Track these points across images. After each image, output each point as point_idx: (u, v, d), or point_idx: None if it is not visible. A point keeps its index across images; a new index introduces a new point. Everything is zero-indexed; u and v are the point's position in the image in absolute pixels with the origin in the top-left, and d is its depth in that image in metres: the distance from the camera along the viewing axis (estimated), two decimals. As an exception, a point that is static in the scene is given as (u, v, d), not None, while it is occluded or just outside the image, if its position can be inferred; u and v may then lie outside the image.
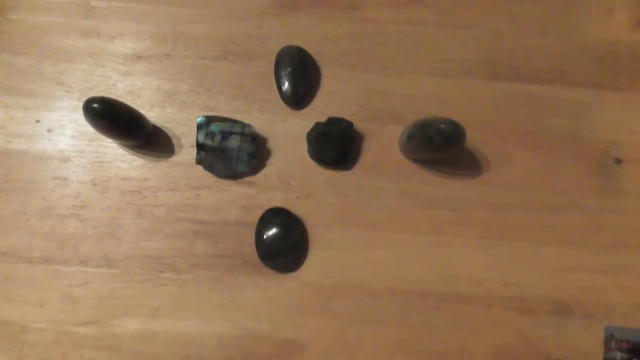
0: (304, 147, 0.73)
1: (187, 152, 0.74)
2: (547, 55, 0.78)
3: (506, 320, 0.68)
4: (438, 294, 0.69)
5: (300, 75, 0.75)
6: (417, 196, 0.72)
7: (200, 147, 0.72)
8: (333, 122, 0.73)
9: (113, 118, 0.67)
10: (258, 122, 0.75)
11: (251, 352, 0.67)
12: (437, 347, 0.67)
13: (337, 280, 0.69)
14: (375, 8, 0.80)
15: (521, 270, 0.70)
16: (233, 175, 0.72)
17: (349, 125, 0.73)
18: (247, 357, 0.66)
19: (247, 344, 0.67)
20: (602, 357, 0.67)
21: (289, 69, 0.75)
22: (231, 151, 0.72)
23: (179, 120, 0.75)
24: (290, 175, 0.73)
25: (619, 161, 0.74)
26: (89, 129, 0.73)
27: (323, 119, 0.74)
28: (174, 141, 0.74)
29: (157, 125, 0.75)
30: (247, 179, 0.73)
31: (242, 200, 0.72)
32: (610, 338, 0.67)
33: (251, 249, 0.70)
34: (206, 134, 0.72)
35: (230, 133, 0.72)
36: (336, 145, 0.72)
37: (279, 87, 0.76)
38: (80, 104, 0.72)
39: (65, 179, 0.72)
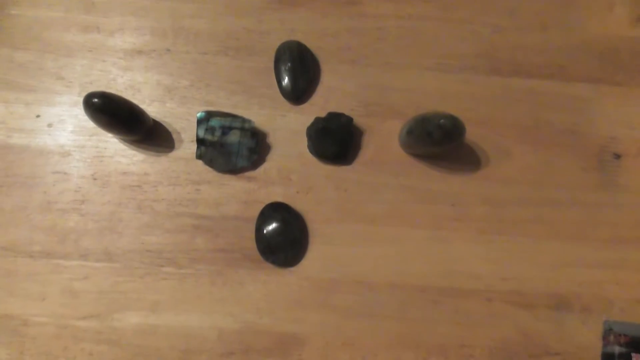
0: (303, 142, 0.73)
1: (187, 147, 0.73)
2: (547, 50, 0.77)
3: (505, 314, 0.68)
4: (437, 289, 0.68)
5: (300, 70, 0.75)
6: (416, 191, 0.72)
7: (200, 142, 0.71)
8: (333, 117, 0.72)
9: (113, 113, 0.66)
10: (258, 117, 0.74)
11: (251, 346, 0.66)
12: (436, 341, 0.67)
13: (337, 274, 0.69)
14: (375, 3, 0.79)
15: (520, 264, 0.69)
16: (233, 170, 0.72)
17: (349, 120, 0.73)
18: (247, 351, 0.66)
19: (247, 338, 0.67)
20: (601, 351, 0.67)
21: (289, 64, 0.74)
22: (231, 146, 0.72)
23: (179, 115, 0.75)
24: (290, 170, 0.72)
25: (617, 156, 0.73)
26: (89, 123, 0.73)
27: (323, 114, 0.73)
28: (174, 136, 0.74)
29: (157, 120, 0.74)
30: (247, 173, 0.72)
31: (242, 195, 0.71)
32: (608, 332, 0.67)
33: (251, 244, 0.69)
34: (206, 129, 0.71)
35: (230, 128, 0.72)
36: (336, 140, 0.71)
37: (279, 82, 0.75)
38: (81, 99, 0.72)
39: (65, 173, 0.72)
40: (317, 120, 0.72)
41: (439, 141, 0.65)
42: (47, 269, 0.69)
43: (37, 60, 0.76)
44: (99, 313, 0.67)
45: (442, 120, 0.64)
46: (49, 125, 0.74)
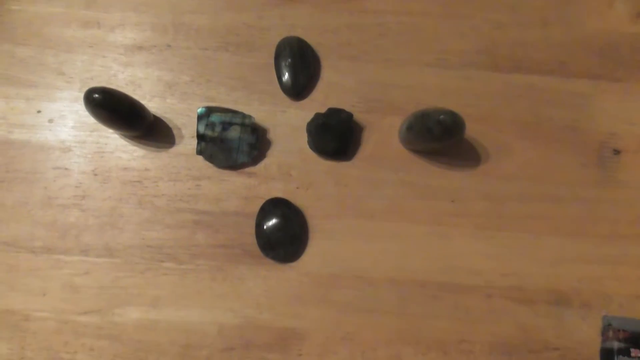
0: (304, 137, 0.73)
1: (187, 143, 0.73)
2: (547, 46, 0.77)
3: (505, 310, 0.67)
4: (437, 284, 0.68)
5: (300, 66, 0.74)
6: (416, 187, 0.71)
7: (200, 137, 0.71)
8: (333, 113, 0.72)
9: (114, 108, 0.66)
10: (258, 112, 0.74)
11: (251, 342, 0.66)
12: (436, 337, 0.66)
13: (337, 270, 0.68)
14: (376, -1, 0.79)
15: (520, 260, 0.69)
16: (233, 165, 0.71)
17: (349, 116, 0.72)
18: (247, 346, 0.66)
19: (248, 333, 0.66)
20: (600, 347, 0.66)
21: (289, 60, 0.74)
22: (231, 142, 0.71)
23: (179, 110, 0.74)
24: (290, 166, 0.72)
25: (617, 152, 0.73)
26: (90, 119, 0.72)
27: (323, 110, 0.73)
28: (175, 132, 0.73)
29: (158, 115, 0.74)
30: (247, 169, 0.72)
31: (242, 190, 0.71)
32: (607, 327, 0.66)
33: (251, 239, 0.69)
34: (207, 125, 0.71)
35: (231, 124, 0.71)
36: (336, 136, 0.71)
37: (279, 78, 0.75)
38: (81, 95, 0.71)
39: (66, 169, 0.72)
40: (317, 116, 0.72)
41: (439, 137, 0.65)
42: (48, 264, 0.68)
43: (38, 55, 0.76)
44: (99, 308, 0.67)
45: (442, 116, 0.63)
46: (50, 121, 0.73)
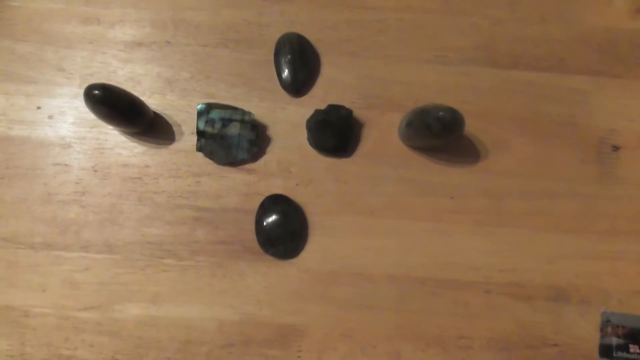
0: (303, 134, 0.72)
1: (187, 139, 0.72)
2: (546, 42, 0.76)
3: (503, 306, 0.67)
4: (436, 281, 0.67)
5: (300, 62, 0.73)
6: (416, 183, 0.70)
7: (200, 134, 0.70)
8: (333, 109, 0.71)
9: (114, 105, 0.65)
10: (258, 109, 0.73)
11: (251, 338, 0.65)
12: (435, 333, 0.66)
13: (337, 266, 0.68)
14: (375, -5, 0.78)
15: (519, 256, 0.68)
16: (233, 162, 0.71)
17: (349, 112, 0.71)
18: (247, 343, 0.65)
19: (247, 329, 0.66)
20: (598, 343, 0.66)
21: (289, 57, 0.73)
22: (231, 138, 0.70)
23: (179, 107, 0.73)
24: (290, 163, 0.71)
25: (616, 148, 0.72)
26: (89, 115, 0.71)
27: (323, 107, 0.72)
28: (175, 128, 0.72)
29: (158, 112, 0.73)
30: (247, 166, 0.71)
31: (242, 187, 0.70)
32: (606, 324, 0.66)
33: (251, 236, 0.68)
34: (206, 121, 0.70)
35: (231, 120, 0.70)
36: (336, 132, 0.70)
37: (279, 74, 0.74)
38: (81, 91, 0.70)
39: (66, 165, 0.71)
40: (317, 112, 0.71)
41: (438, 133, 0.64)
42: (48, 261, 0.67)
43: (38, 52, 0.75)
44: (99, 304, 0.66)
45: (441, 113, 0.63)
46: (50, 117, 0.72)
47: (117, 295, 0.66)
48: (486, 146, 0.72)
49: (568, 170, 0.71)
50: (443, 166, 0.71)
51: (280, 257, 0.68)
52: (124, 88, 0.68)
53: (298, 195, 0.70)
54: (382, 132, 0.72)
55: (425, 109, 0.65)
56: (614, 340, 0.65)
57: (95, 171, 0.70)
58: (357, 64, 0.75)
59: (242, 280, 0.67)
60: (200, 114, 0.70)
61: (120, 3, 0.77)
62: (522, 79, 0.74)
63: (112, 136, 0.72)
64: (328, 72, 0.75)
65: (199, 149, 0.70)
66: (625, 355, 0.65)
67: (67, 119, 0.72)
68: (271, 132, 0.72)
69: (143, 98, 0.72)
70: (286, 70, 0.73)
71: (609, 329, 0.66)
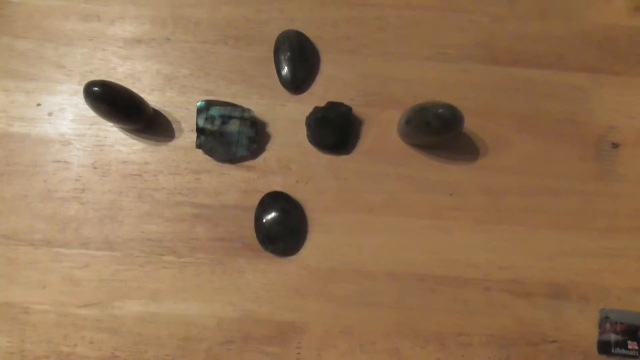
0: (303, 131, 0.71)
1: (187, 136, 0.71)
2: (546, 40, 0.75)
3: (503, 303, 0.66)
4: (436, 277, 0.67)
5: (299, 59, 0.72)
6: (415, 181, 0.70)
7: (200, 131, 0.69)
8: (332, 106, 0.70)
9: (113, 102, 0.64)
10: (257, 106, 0.72)
11: (250, 334, 0.65)
12: (434, 330, 0.65)
13: (336, 263, 0.67)
14: (375, -8, 0.77)
15: (518, 253, 0.68)
16: (233, 159, 0.70)
17: (348, 109, 0.70)
18: (246, 339, 0.65)
19: (247, 326, 0.65)
20: (597, 339, 0.65)
21: (288, 54, 0.72)
22: (231, 135, 0.69)
23: (178, 104, 0.72)
24: (290, 160, 0.70)
25: (616, 145, 0.71)
26: (89, 112, 0.71)
27: (322, 104, 0.71)
28: (174, 125, 0.71)
29: (157, 109, 0.72)
30: (246, 163, 0.70)
31: (241, 184, 0.69)
32: (605, 320, 0.65)
33: (251, 233, 0.67)
34: (206, 118, 0.69)
35: (230, 117, 0.69)
36: (335, 129, 0.69)
37: (279, 71, 0.73)
38: (81, 88, 0.69)
39: (66, 162, 0.70)
40: (316, 109, 0.70)
41: (438, 131, 0.64)
42: (48, 257, 0.67)
43: (38, 48, 0.74)
44: (99, 301, 0.66)
45: (440, 110, 0.62)
46: (50, 114, 0.71)
47: (117, 292, 0.66)
48: (485, 143, 0.71)
49: (567, 167, 0.70)
50: (442, 163, 0.70)
51: (280, 254, 0.67)
52: (124, 85, 0.68)
53: (297, 192, 0.69)
54: (381, 129, 0.72)
55: (424, 106, 0.65)
56: (613, 337, 0.65)
57: (95, 168, 0.70)
58: (356, 61, 0.74)
59: (241, 277, 0.66)
60: (199, 111, 0.69)
61: (120, 0, 0.76)
62: (521, 76, 0.73)
63: (112, 133, 0.71)
64: (327, 69, 0.74)
65: (199, 146, 0.69)
66: (623, 351, 0.65)
67: (67, 116, 0.71)
68: (271, 129, 0.71)
69: (142, 95, 0.71)
70: (286, 68, 0.72)
71: (608, 326, 0.65)
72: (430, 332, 0.65)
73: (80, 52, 0.74)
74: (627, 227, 0.68)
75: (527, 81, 0.73)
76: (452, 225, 0.68)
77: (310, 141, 0.71)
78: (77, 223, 0.68)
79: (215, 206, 0.68)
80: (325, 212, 0.69)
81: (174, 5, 0.76)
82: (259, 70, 0.74)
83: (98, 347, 0.64)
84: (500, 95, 0.73)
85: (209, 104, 0.70)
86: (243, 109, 0.70)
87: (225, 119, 0.69)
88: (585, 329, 0.65)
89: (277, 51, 0.73)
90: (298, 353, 0.64)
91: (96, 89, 0.63)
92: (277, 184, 0.69)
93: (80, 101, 0.71)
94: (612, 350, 0.65)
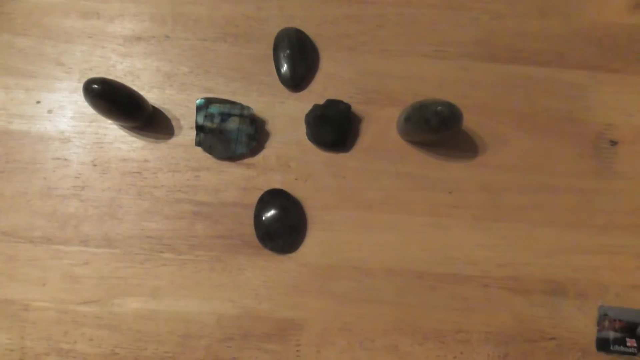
0: (302, 129, 0.70)
1: (186, 134, 0.70)
2: (545, 37, 0.74)
3: (501, 300, 0.66)
4: (434, 275, 0.66)
5: (298, 57, 0.72)
6: (414, 178, 0.69)
7: (199, 128, 0.69)
8: (331, 104, 0.70)
9: (113, 99, 0.64)
10: (257, 104, 0.71)
11: (250, 332, 0.64)
12: (433, 327, 0.65)
13: (335, 260, 0.66)
14: (374, -10, 0.76)
15: (516, 251, 0.67)
16: (232, 156, 0.69)
17: (347, 107, 0.70)
18: (246, 336, 0.64)
19: (246, 323, 0.65)
20: (596, 336, 0.65)
21: (288, 51, 0.71)
22: (230, 133, 0.69)
23: (178, 101, 0.72)
24: (289, 157, 0.70)
25: (614, 143, 0.71)
26: (89, 110, 0.70)
27: (321, 101, 0.71)
28: (174, 123, 0.71)
29: (157, 106, 0.71)
30: (246, 160, 0.70)
31: (241, 181, 0.69)
32: (603, 317, 0.65)
33: (250, 230, 0.67)
34: (205, 116, 0.69)
35: (230, 115, 0.69)
36: (334, 127, 0.69)
37: (278, 69, 0.72)
38: (80, 85, 0.68)
39: (66, 159, 0.69)
40: (316, 107, 0.70)
41: (437, 128, 0.63)
42: (48, 255, 0.66)
43: (37, 46, 0.73)
44: (99, 298, 0.65)
45: (439, 107, 0.62)
46: (49, 112, 0.71)
47: (117, 289, 0.65)
48: (484, 141, 0.71)
49: (566, 164, 0.70)
50: (441, 161, 0.70)
51: (279, 252, 0.66)
52: (123, 82, 0.67)
53: (297, 190, 0.69)
54: (380, 127, 0.71)
55: (423, 104, 0.64)
56: (611, 334, 0.64)
57: (95, 165, 0.69)
58: (355, 59, 0.74)
59: (241, 274, 0.66)
60: (199, 108, 0.69)
61: (119, -3, 0.75)
62: (520, 73, 0.73)
63: (112, 130, 0.70)
64: (327, 66, 0.73)
65: (198, 143, 0.69)
66: (622, 349, 0.64)
67: (67, 113, 0.71)
68: (270, 126, 0.71)
69: (142, 92, 0.71)
70: (285, 65, 0.71)
71: (606, 323, 0.65)
72: (429, 329, 0.65)
73: (79, 50, 0.73)
74: (626, 224, 0.68)
75: (526, 79, 0.73)
76: (451, 223, 0.68)
77: (309, 139, 0.70)
78: (76, 220, 0.67)
79: (214, 203, 0.68)
80: (325, 209, 0.68)
81: (174, 2, 0.75)
82: (258, 67, 0.73)
83: (98, 344, 0.64)
84: (499, 92, 0.72)
85: (209, 102, 0.69)
86: (242, 107, 0.69)
87: (225, 117, 0.69)
88: (583, 326, 0.65)
89: (276, 49, 0.73)
90: (297, 350, 0.64)
91: (96, 86, 0.62)
92: (276, 182, 0.69)
93: (79, 99, 0.71)
94: (611, 348, 0.64)
